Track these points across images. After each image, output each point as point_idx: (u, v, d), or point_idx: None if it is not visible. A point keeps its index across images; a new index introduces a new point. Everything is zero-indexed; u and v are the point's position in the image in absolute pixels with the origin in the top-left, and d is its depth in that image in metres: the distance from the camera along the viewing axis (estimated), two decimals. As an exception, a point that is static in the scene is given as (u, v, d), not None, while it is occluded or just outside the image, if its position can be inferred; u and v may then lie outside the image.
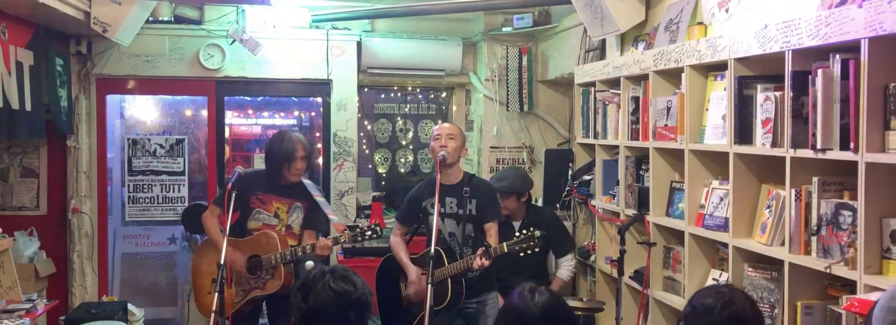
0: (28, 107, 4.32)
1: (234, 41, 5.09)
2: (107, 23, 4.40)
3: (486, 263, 3.43)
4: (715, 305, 2.02)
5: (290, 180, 3.85)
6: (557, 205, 4.84)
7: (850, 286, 2.51)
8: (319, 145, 5.86)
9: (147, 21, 4.97)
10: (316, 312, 2.00)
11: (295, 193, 3.87)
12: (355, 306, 2.03)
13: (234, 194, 3.52)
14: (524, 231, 3.43)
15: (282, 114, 6.42)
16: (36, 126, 4.49)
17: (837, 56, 2.39)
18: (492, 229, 3.69)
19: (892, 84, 2.24)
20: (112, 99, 5.41)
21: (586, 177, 4.59)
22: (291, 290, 3.74)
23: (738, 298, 2.04)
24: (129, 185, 5.36)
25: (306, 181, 3.94)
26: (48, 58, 4.64)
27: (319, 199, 3.93)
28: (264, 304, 4.03)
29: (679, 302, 3.45)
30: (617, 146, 4.09)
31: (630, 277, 3.87)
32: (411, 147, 6.05)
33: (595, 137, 4.38)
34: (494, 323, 2.06)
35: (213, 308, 3.23)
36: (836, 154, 2.41)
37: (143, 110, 5.71)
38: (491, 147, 5.54)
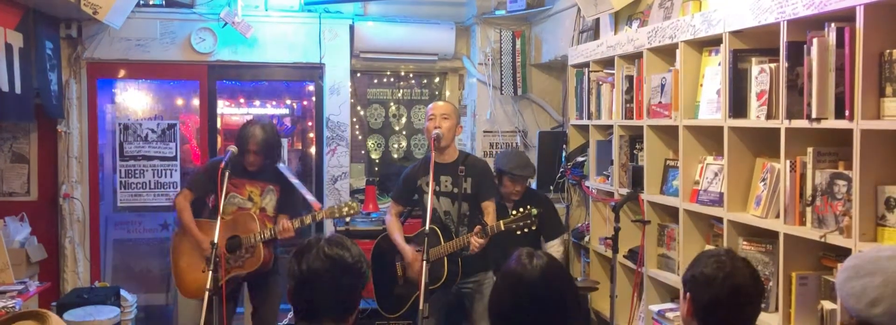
0: (17, 90, 4.28)
1: (225, 24, 5.06)
2: (97, 5, 4.36)
3: (482, 242, 3.42)
4: (716, 275, 1.99)
5: (248, 168, 3.89)
6: (551, 187, 4.84)
7: (844, 256, 2.51)
8: (311, 135, 5.84)
9: (138, 4, 4.93)
10: (310, 276, 1.99)
11: (267, 176, 3.91)
12: (349, 272, 2.02)
13: (227, 173, 3.51)
14: (521, 209, 3.42)
15: (273, 102, 6.38)
16: (25, 110, 4.45)
17: (832, 25, 2.40)
18: (489, 208, 3.69)
19: (888, 51, 2.25)
20: (103, 83, 5.36)
21: (580, 158, 4.59)
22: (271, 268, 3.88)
23: (740, 266, 2.02)
24: (120, 170, 5.32)
25: (280, 165, 4.00)
26: (38, 41, 4.59)
27: (294, 181, 3.99)
28: (246, 285, 4.08)
29: (674, 279, 3.46)
30: (611, 126, 4.09)
31: (624, 256, 3.87)
32: (404, 133, 6.04)
33: (589, 117, 4.38)
34: (493, 289, 2.05)
35: (207, 286, 3.22)
36: (832, 123, 2.42)
37: (135, 95, 5.67)
38: (484, 131, 5.53)
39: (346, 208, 3.71)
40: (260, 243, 3.75)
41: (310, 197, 4.09)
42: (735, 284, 1.98)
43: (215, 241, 3.32)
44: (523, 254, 1.98)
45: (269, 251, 3.84)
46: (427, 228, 3.35)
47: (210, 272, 3.25)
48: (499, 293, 2.02)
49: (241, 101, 6.04)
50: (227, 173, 3.50)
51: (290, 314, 5.13)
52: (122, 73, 5.33)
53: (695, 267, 2.08)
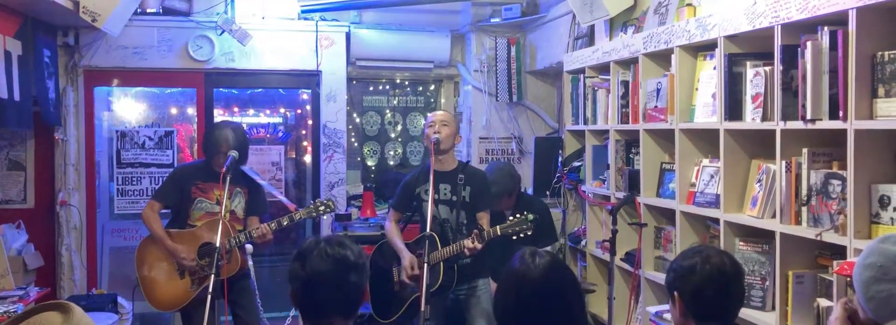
0: (16, 97, 4.30)
1: (223, 32, 5.10)
2: (96, 12, 4.39)
3: (479, 246, 3.46)
4: (695, 264, 2.07)
5: (216, 169, 3.84)
6: (548, 192, 4.89)
7: (839, 255, 2.57)
8: (305, 143, 5.88)
9: (135, 13, 4.97)
10: (314, 277, 2.02)
11: (234, 178, 3.82)
12: (353, 270, 2.05)
13: (228, 178, 3.54)
14: (517, 215, 3.47)
15: (267, 111, 6.42)
16: (24, 116, 4.47)
17: (825, 28, 2.46)
18: (483, 219, 3.73)
19: (880, 53, 2.31)
20: (100, 91, 5.38)
21: (576, 163, 4.64)
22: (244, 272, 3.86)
23: (714, 252, 2.11)
24: (117, 177, 5.33)
25: (244, 168, 3.99)
26: (36, 49, 4.61)
27: (262, 182, 4.01)
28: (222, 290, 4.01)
29: (671, 281, 3.50)
30: (606, 131, 4.14)
31: (621, 259, 3.92)
32: (400, 140, 6.08)
33: (585, 123, 4.43)
34: (497, 288, 2.07)
35: (209, 290, 3.24)
36: (826, 124, 2.48)
37: (132, 102, 5.69)
38: (480, 138, 5.58)
39: (323, 207, 3.73)
40: (235, 248, 3.73)
41: (283, 199, 4.11)
42: (714, 266, 2.05)
43: (217, 243, 3.35)
44: (526, 253, 2.00)
45: (243, 255, 3.83)
46: (427, 232, 3.39)
47: (212, 276, 3.28)
48: (503, 293, 2.04)
49: (236, 110, 6.07)
50: (228, 178, 3.53)
51: (289, 320, 5.14)
52: (119, 80, 5.34)
53: (673, 265, 2.16)
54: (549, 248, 4.40)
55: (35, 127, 4.90)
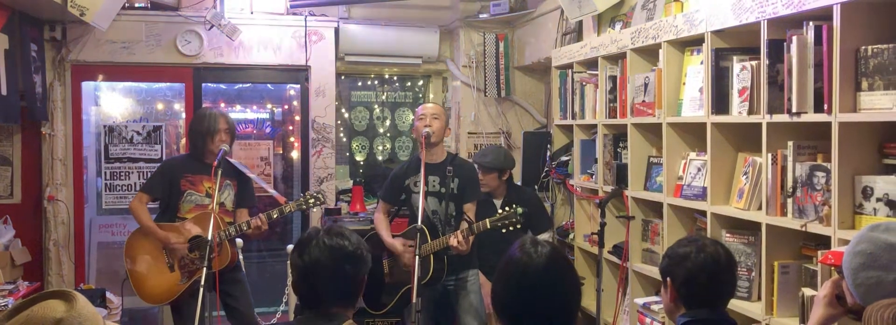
0: (3, 91, 4.28)
1: (211, 27, 5.09)
2: (84, 6, 4.37)
3: (463, 244, 3.49)
4: (690, 252, 2.13)
5: (209, 158, 3.85)
6: (536, 186, 4.93)
7: (823, 245, 2.63)
8: (292, 139, 5.88)
9: (123, 7, 4.94)
10: (311, 267, 2.05)
11: (223, 171, 3.80)
12: (350, 260, 2.08)
13: (220, 171, 3.54)
14: (507, 208, 3.50)
15: (254, 106, 6.42)
16: (12, 111, 4.45)
17: (811, 23, 2.51)
18: (470, 211, 3.77)
19: (863, 47, 2.37)
20: (87, 86, 5.36)
21: (564, 158, 4.68)
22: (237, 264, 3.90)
23: (710, 242, 2.17)
24: (105, 172, 5.31)
25: (232, 160, 3.99)
26: (23, 43, 4.59)
27: (251, 175, 4.02)
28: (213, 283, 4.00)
29: (658, 273, 3.55)
30: (595, 126, 4.19)
31: (609, 252, 3.96)
32: (389, 135, 6.10)
33: (573, 118, 4.48)
34: (496, 277, 2.09)
35: (202, 282, 3.25)
36: (811, 117, 2.53)
37: (119, 97, 5.67)
38: (469, 133, 5.62)
39: (312, 200, 3.75)
40: (225, 241, 3.74)
41: (273, 192, 4.13)
42: (708, 254, 2.11)
43: (209, 237, 3.36)
44: (527, 242, 1.99)
45: (233, 248, 3.85)
46: (419, 224, 3.42)
47: (204, 269, 3.29)
48: (502, 282, 2.01)
49: (223, 105, 6.05)
50: (220, 171, 3.54)
51: (278, 314, 5.16)
52: (106, 75, 5.32)
53: (669, 251, 2.22)
54: (545, 235, 4.45)
55: (22, 122, 4.88)
